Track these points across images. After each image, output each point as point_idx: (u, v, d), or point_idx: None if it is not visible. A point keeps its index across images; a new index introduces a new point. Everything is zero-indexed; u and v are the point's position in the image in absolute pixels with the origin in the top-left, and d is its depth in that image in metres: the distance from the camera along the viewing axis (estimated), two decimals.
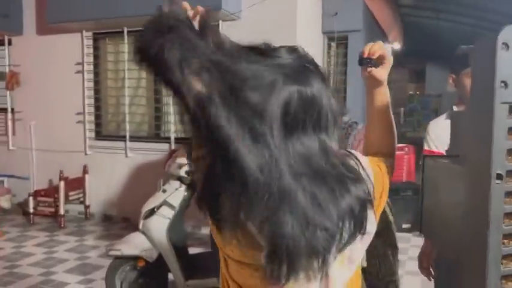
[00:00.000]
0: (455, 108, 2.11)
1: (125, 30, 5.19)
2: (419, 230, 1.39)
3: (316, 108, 0.78)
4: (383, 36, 7.72)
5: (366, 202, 0.81)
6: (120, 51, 5.42)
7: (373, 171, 0.94)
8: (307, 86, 0.78)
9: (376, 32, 6.94)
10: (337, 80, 5.63)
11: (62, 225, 5.13)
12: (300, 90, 0.76)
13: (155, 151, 5.15)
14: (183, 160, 2.84)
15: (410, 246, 4.58)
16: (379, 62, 1.11)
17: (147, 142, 5.29)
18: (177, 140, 5.07)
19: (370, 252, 1.29)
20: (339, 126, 0.85)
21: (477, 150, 1.05)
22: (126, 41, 5.24)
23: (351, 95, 5.47)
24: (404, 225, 5.08)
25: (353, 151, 0.94)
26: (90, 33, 5.47)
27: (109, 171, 5.45)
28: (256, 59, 0.79)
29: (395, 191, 5.11)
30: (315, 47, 5.38)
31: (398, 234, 3.69)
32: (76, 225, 5.31)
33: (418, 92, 13.88)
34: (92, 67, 5.52)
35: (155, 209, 2.85)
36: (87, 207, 5.53)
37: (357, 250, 0.86)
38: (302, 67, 0.81)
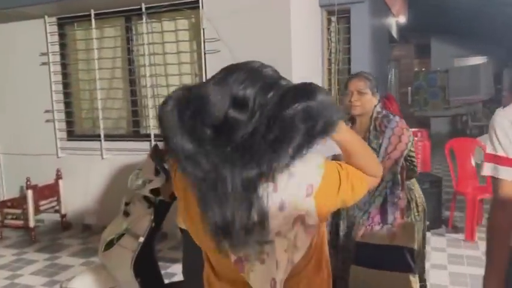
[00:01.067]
0: None
1: (92, 13, 4.50)
2: None
3: None
4: (387, 10, 6.98)
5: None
6: (90, 37, 4.72)
7: (324, 170, 1.08)
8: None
9: (380, 4, 6.21)
10: (339, 60, 4.92)
11: (33, 240, 4.53)
12: None
13: (135, 151, 4.50)
14: (148, 175, 2.19)
15: (431, 250, 3.97)
16: None
17: (125, 141, 4.64)
18: (158, 138, 4.43)
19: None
20: None
21: None
22: (94, 25, 4.55)
23: None
24: None
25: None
26: (54, 19, 4.77)
27: (85, 176, 4.82)
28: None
29: None
30: (311, 23, 4.67)
31: None
32: (50, 238, 4.70)
33: (423, 69, 13.13)
34: (58, 58, 4.83)
35: (114, 241, 2.22)
36: (63, 216, 4.92)
37: (301, 239, 1.03)
38: None
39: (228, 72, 1.01)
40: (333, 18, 4.86)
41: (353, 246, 2.13)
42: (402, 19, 8.31)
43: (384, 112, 2.27)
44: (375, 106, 2.28)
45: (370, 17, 5.12)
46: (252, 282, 1.04)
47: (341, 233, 2.20)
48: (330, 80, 5.00)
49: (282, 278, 1.02)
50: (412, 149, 2.29)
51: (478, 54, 12.46)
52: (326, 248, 1.18)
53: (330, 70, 4.99)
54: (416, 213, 2.31)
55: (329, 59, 4.98)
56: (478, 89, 11.69)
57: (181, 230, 1.97)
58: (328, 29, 4.95)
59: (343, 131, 1.10)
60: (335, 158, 1.25)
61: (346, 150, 1.15)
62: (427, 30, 12.20)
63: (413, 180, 2.41)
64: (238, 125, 0.95)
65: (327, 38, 4.95)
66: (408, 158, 2.28)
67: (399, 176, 2.13)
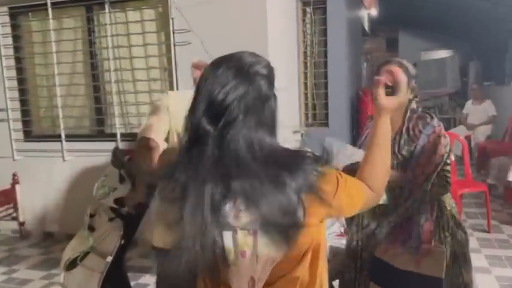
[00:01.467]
0: None
1: (48, 2, 4.11)
2: None
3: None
4: (359, 2, 6.86)
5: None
6: (47, 29, 4.32)
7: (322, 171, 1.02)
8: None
9: None
10: (315, 53, 4.73)
11: None
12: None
13: (99, 152, 4.15)
14: (112, 183, 1.91)
15: None
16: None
17: (88, 141, 4.29)
18: (124, 137, 4.11)
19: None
20: None
21: None
22: (51, 15, 4.17)
23: (333, 70, 4.61)
24: None
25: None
26: (5, 9, 4.35)
27: (45, 179, 4.44)
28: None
29: None
30: (286, 14, 4.45)
31: None
32: (8, 248, 4.30)
33: None
34: (12, 51, 4.41)
35: (78, 260, 1.92)
36: (21, 224, 4.53)
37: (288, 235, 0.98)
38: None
39: (214, 69, 0.97)
40: (308, 9, 4.67)
41: (371, 261, 1.89)
42: (374, 12, 8.24)
43: (420, 112, 1.86)
44: (410, 102, 1.85)
45: (346, 8, 4.95)
46: (230, 278, 0.99)
47: (356, 243, 1.96)
48: (305, 73, 4.81)
49: (260, 277, 0.98)
50: (449, 161, 1.84)
51: (444, 47, 12.61)
52: (324, 252, 1.10)
53: (305, 63, 4.80)
54: (447, 231, 1.88)
55: (304, 52, 4.78)
56: (444, 82, 11.83)
57: (154, 249, 1.71)
58: (304, 20, 4.75)
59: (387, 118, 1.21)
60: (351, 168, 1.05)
61: (375, 134, 1.20)
62: (396, 23, 12.23)
63: (448, 194, 1.96)
64: (208, 138, 0.92)
65: (302, 30, 4.75)
66: (442, 172, 1.84)
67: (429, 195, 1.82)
